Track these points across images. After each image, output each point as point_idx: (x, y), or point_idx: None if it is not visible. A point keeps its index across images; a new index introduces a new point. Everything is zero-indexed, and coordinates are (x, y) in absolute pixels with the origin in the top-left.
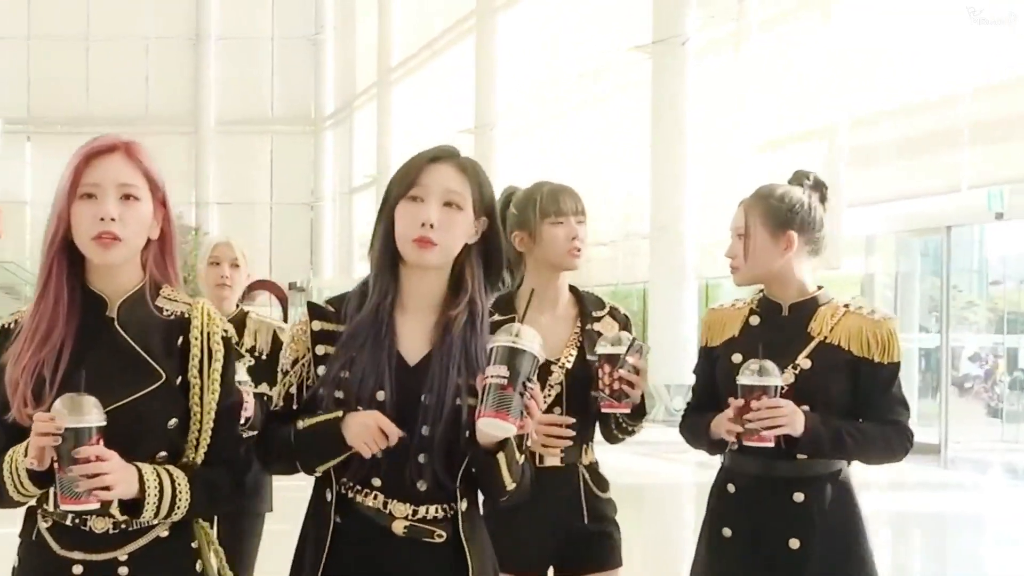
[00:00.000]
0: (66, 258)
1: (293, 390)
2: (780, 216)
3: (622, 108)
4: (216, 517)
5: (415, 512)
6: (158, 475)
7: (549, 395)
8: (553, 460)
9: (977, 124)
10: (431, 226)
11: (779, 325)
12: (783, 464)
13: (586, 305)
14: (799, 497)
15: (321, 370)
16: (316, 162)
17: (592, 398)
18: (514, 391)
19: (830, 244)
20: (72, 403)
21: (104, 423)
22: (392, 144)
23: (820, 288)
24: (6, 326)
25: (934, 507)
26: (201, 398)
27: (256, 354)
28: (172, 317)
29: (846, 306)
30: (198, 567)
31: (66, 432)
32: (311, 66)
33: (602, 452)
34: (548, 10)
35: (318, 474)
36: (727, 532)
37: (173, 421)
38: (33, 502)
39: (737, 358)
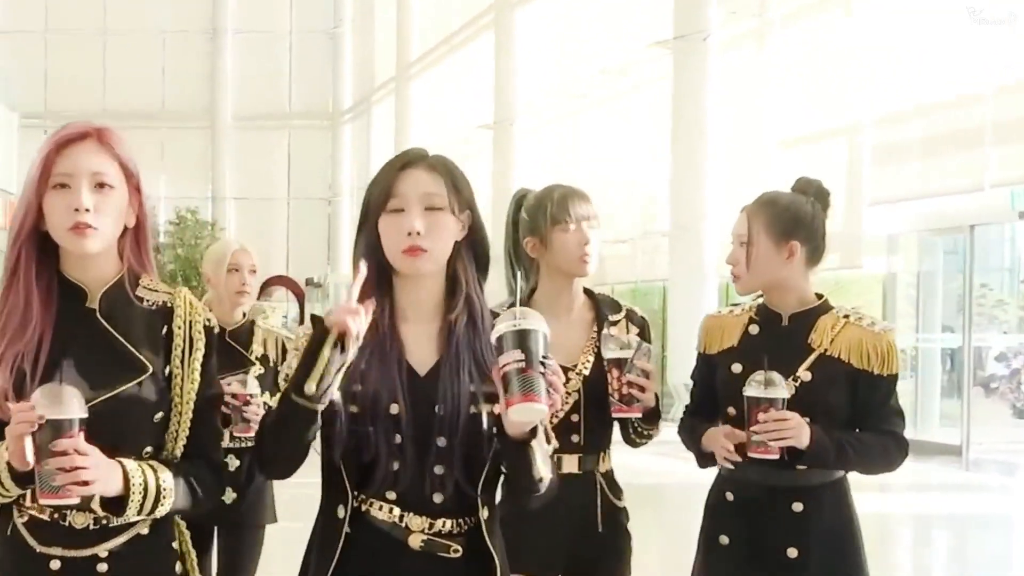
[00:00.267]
0: (36, 248)
1: None
2: (784, 225)
3: (642, 104)
4: (216, 528)
5: (431, 526)
6: (143, 472)
7: (567, 402)
8: (571, 467)
9: (1000, 123)
10: (418, 233)
11: (779, 335)
12: (782, 473)
13: (602, 309)
14: (798, 507)
15: None
16: (334, 157)
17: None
18: (535, 371)
19: (852, 243)
20: (51, 394)
21: (85, 415)
22: (410, 139)
23: (820, 297)
24: None
25: (955, 508)
26: (182, 388)
27: (271, 364)
28: (154, 307)
29: (846, 316)
30: (178, 569)
31: (44, 423)
32: (329, 60)
33: (620, 453)
34: (568, 5)
35: (309, 390)
36: (724, 540)
37: (159, 415)
38: None
39: (737, 368)
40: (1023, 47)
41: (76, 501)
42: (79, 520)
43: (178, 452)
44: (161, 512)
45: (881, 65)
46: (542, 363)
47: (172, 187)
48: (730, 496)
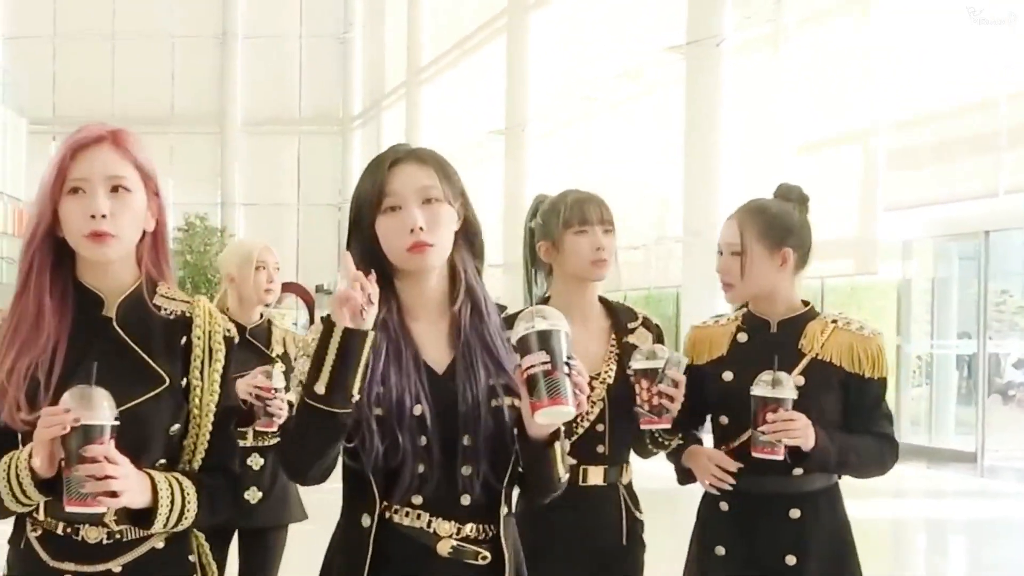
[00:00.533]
0: (51, 254)
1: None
2: (777, 232)
3: (656, 109)
4: (238, 529)
5: (459, 531)
6: (170, 484)
7: (592, 412)
8: (596, 479)
9: (1015, 128)
10: (420, 229)
11: (768, 342)
12: (778, 480)
13: (619, 317)
14: (795, 513)
15: None
16: (344, 163)
17: (634, 414)
18: (560, 373)
19: (867, 249)
20: (82, 396)
21: (117, 422)
22: (421, 145)
23: (807, 304)
24: None
25: (969, 515)
26: (201, 400)
27: (291, 363)
28: (172, 316)
29: (834, 322)
30: None
31: (76, 427)
32: (339, 65)
33: (635, 459)
34: (581, 9)
35: (319, 391)
36: (721, 551)
37: (175, 427)
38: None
39: (728, 376)
40: None
41: (103, 510)
42: (92, 534)
43: (196, 464)
44: (183, 526)
45: (896, 70)
46: (567, 363)
47: (181, 193)
48: (724, 506)
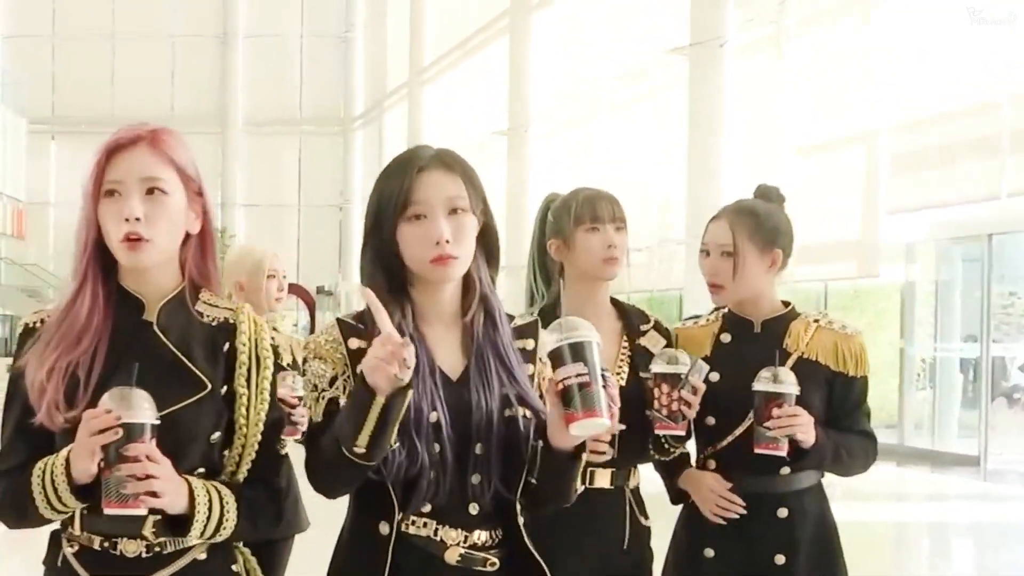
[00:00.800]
0: (100, 261)
1: (335, 407)
2: (767, 234)
3: (658, 111)
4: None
5: (467, 539)
6: (207, 491)
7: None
8: (603, 481)
9: (1017, 131)
10: (447, 241)
11: (753, 342)
12: (765, 480)
13: (631, 318)
14: (783, 512)
15: None
16: (345, 163)
17: (646, 418)
18: (597, 385)
19: (870, 252)
20: (122, 397)
21: (158, 422)
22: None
23: (787, 304)
24: (31, 325)
25: (972, 518)
26: (248, 410)
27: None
28: (215, 323)
29: (816, 321)
30: None
31: (116, 427)
32: (341, 65)
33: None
34: (583, 10)
35: (359, 451)
36: (710, 553)
37: (216, 435)
38: (57, 524)
39: (714, 376)
40: None
41: (144, 512)
42: (131, 548)
43: (239, 476)
44: (221, 537)
45: (898, 72)
46: (602, 375)
47: None
48: None
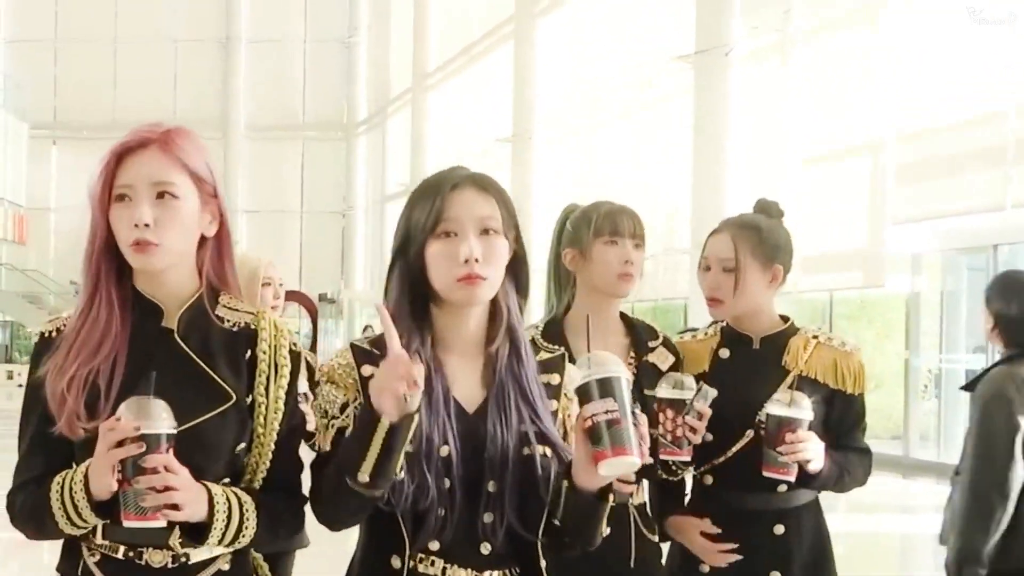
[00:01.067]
0: (113, 263)
1: (345, 426)
2: (769, 249)
3: (663, 119)
4: None
5: None
6: (227, 498)
7: None
8: None
9: (1023, 141)
10: (476, 260)
11: (751, 358)
12: (763, 497)
13: (639, 334)
14: (780, 529)
15: None
16: (348, 169)
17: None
18: (627, 422)
19: (875, 262)
20: (139, 407)
21: (175, 431)
22: (427, 152)
23: (786, 319)
24: (47, 334)
25: None
26: (265, 418)
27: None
28: (236, 328)
29: (815, 337)
30: None
31: (133, 439)
32: (344, 70)
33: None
34: (589, 17)
35: (363, 479)
36: (705, 569)
37: (241, 446)
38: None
39: (713, 393)
40: None
41: (163, 524)
42: (156, 558)
43: (257, 483)
44: (241, 544)
45: (904, 82)
46: (633, 413)
47: None
48: (707, 523)
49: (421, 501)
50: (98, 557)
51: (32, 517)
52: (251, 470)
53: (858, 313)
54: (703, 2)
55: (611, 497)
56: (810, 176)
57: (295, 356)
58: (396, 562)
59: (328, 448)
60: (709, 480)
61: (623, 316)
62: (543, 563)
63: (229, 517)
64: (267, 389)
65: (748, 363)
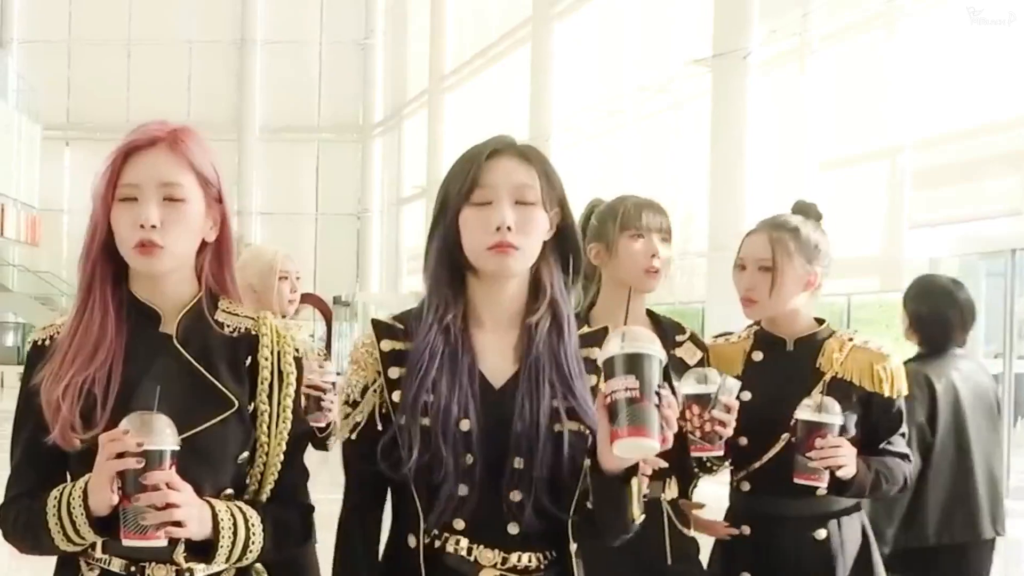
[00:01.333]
0: (110, 266)
1: (361, 419)
2: (807, 252)
3: (681, 122)
4: None
5: (504, 560)
6: (231, 514)
7: None
8: None
9: None
10: (508, 228)
11: (785, 361)
12: (802, 502)
13: (666, 330)
14: (821, 534)
15: (396, 396)
16: (364, 171)
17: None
18: (648, 402)
19: (893, 267)
20: (142, 422)
21: (179, 447)
22: (443, 154)
23: (821, 321)
24: (40, 341)
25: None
26: (269, 427)
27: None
28: (236, 334)
29: (851, 340)
30: None
31: (135, 454)
32: (360, 72)
33: None
34: (607, 20)
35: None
36: (745, 574)
37: (244, 455)
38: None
39: (746, 396)
40: None
41: (164, 543)
42: (160, 573)
43: (263, 495)
44: (248, 560)
45: (922, 87)
46: (657, 393)
47: None
48: (747, 530)
49: (435, 473)
50: (97, 572)
51: (27, 532)
52: (255, 480)
53: (876, 317)
54: (721, 5)
55: (634, 481)
56: (828, 180)
57: (299, 363)
58: (412, 541)
59: (353, 437)
60: (747, 487)
61: (649, 312)
62: (572, 546)
63: (235, 534)
64: (270, 397)
65: (781, 366)
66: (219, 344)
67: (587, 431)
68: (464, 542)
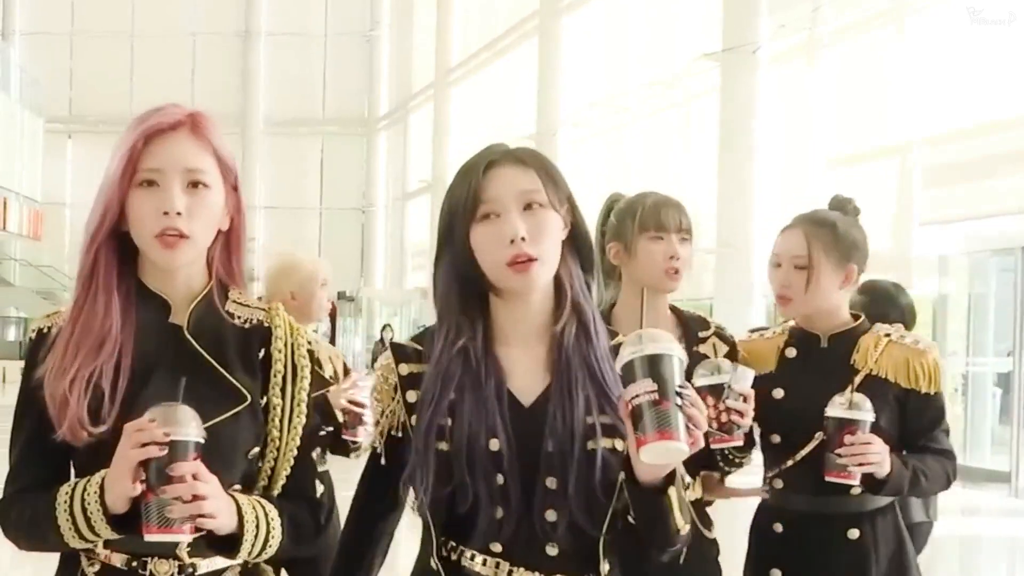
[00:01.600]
0: (115, 254)
1: (377, 445)
2: (844, 248)
3: (689, 117)
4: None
5: None
6: (254, 508)
7: None
8: None
9: None
10: (522, 239)
11: (819, 357)
12: (835, 499)
13: (690, 327)
14: (854, 533)
15: (415, 420)
16: (368, 166)
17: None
18: (671, 404)
19: (902, 264)
20: (166, 414)
21: (203, 440)
22: (449, 148)
23: (857, 317)
24: (43, 330)
25: (1004, 534)
26: (281, 422)
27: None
28: (248, 325)
29: (887, 335)
30: None
31: (161, 445)
32: (365, 65)
33: None
34: (614, 14)
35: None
36: (777, 574)
37: (255, 450)
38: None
39: (779, 393)
40: None
41: (189, 537)
42: (162, 568)
43: (275, 491)
44: (267, 555)
45: (932, 84)
46: (678, 394)
47: None
48: (779, 527)
49: (460, 500)
50: (98, 567)
51: (30, 529)
52: (265, 476)
53: None
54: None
55: (672, 490)
56: (836, 177)
57: (312, 356)
58: (433, 564)
59: (382, 453)
60: (779, 484)
61: (673, 308)
62: (604, 566)
63: (257, 527)
64: (283, 391)
65: (815, 362)
66: (231, 336)
67: (623, 448)
68: (504, 565)
